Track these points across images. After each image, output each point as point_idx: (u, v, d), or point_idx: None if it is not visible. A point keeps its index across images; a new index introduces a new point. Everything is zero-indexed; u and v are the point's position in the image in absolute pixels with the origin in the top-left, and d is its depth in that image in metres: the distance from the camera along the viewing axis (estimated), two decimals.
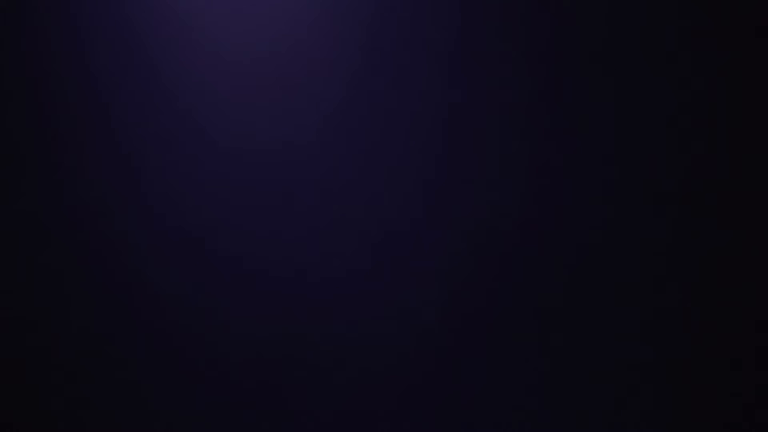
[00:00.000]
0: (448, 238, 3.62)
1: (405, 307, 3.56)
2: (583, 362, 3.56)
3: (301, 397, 3.60)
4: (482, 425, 3.56)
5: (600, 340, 3.55)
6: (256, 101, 3.49)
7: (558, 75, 3.61)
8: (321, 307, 3.60)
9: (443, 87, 3.58)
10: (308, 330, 3.61)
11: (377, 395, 3.58)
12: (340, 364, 3.59)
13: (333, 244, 3.58)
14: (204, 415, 3.64)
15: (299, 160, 3.60)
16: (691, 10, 3.55)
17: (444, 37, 3.60)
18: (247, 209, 3.63)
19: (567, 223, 3.59)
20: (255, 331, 3.60)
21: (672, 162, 3.57)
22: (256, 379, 3.60)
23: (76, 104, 3.70)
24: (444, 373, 3.59)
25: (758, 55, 3.52)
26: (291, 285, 3.61)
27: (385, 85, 3.59)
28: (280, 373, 3.61)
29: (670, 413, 3.53)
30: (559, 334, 3.56)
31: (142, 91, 3.65)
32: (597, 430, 3.51)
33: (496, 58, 3.61)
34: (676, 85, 3.56)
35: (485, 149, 3.62)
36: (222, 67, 3.62)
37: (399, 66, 3.60)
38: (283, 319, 3.62)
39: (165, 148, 3.64)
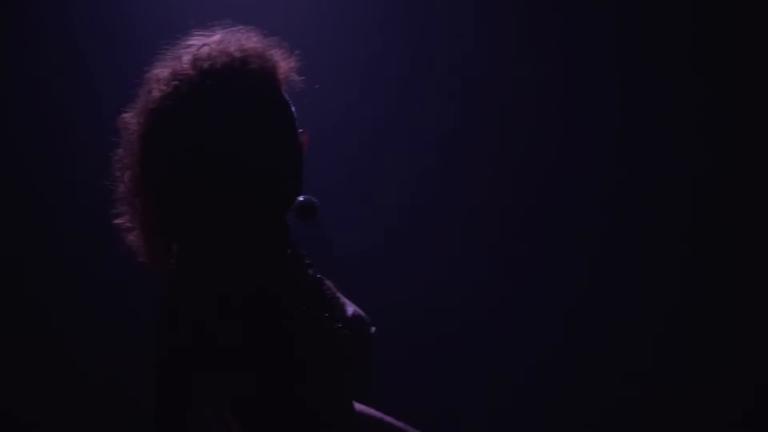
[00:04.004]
0: (448, 238, 3.62)
1: (403, 309, 3.56)
2: (582, 362, 3.57)
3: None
4: (481, 425, 3.57)
5: (600, 341, 3.56)
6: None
7: (560, 75, 3.62)
8: None
9: (446, 90, 3.58)
10: None
11: (378, 394, 3.59)
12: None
13: (334, 245, 3.58)
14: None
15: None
16: (692, 10, 3.56)
17: (447, 41, 3.61)
18: None
19: (568, 224, 3.60)
20: None
21: (672, 162, 3.58)
22: None
23: (76, 106, 3.70)
24: (443, 374, 3.60)
25: (758, 55, 3.53)
26: None
27: (389, 89, 3.60)
28: None
29: (669, 414, 3.55)
30: (561, 335, 3.57)
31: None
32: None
33: (500, 61, 3.61)
34: (676, 85, 3.58)
35: (487, 149, 3.63)
36: None
37: (402, 70, 3.61)
38: None
39: None
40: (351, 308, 1.93)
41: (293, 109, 1.86)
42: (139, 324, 3.66)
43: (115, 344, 3.68)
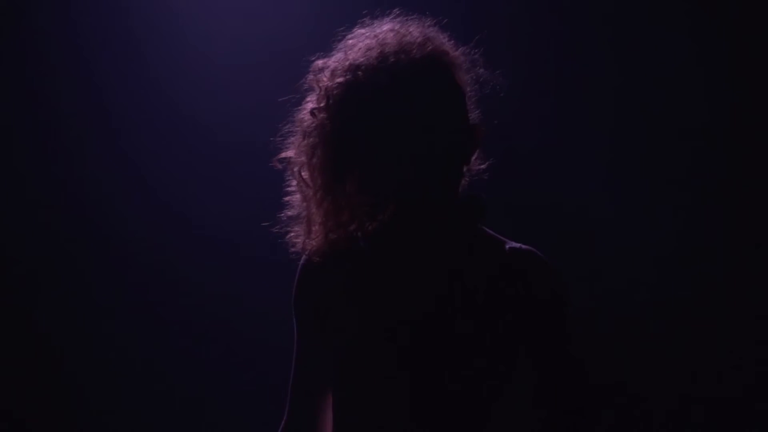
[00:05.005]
0: None
1: None
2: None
3: None
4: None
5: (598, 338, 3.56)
6: (258, 103, 3.48)
7: (559, 74, 3.61)
8: None
9: None
10: None
11: None
12: None
13: None
14: (221, 412, 3.64)
15: None
16: (692, 10, 3.56)
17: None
18: (253, 208, 3.62)
19: (566, 223, 3.60)
20: (262, 331, 3.56)
21: (672, 162, 3.58)
22: (274, 373, 3.57)
23: (75, 106, 3.70)
24: None
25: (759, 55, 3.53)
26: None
27: None
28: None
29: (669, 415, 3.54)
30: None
31: (150, 95, 3.64)
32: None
33: (499, 57, 3.60)
34: (676, 85, 3.57)
35: (485, 149, 3.62)
36: (223, 71, 3.61)
37: None
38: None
39: (173, 149, 3.64)
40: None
41: (466, 96, 1.96)
42: (138, 324, 3.67)
43: (114, 345, 3.68)
